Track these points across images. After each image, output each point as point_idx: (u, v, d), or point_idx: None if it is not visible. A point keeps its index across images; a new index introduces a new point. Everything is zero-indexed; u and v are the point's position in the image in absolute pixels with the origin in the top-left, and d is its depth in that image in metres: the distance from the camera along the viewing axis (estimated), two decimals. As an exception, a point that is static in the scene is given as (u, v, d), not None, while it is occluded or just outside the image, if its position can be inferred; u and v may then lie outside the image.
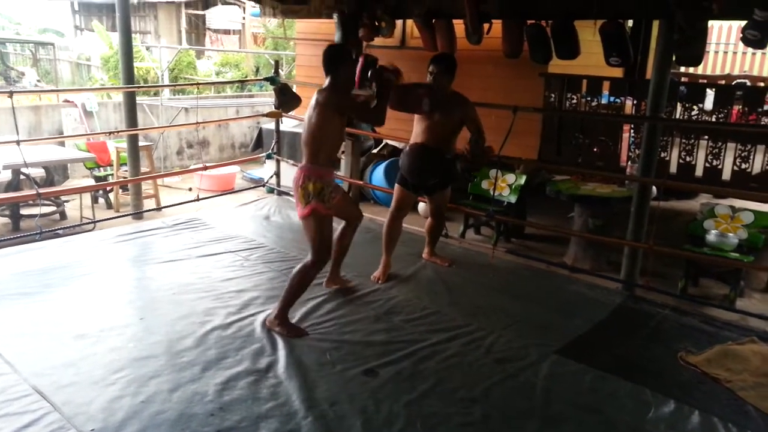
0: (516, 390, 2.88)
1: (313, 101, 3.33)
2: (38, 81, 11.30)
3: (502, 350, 3.23)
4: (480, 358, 3.14)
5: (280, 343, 3.15)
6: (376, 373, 2.93)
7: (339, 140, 3.48)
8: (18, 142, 4.50)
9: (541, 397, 2.82)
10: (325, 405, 2.65)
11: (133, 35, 8.61)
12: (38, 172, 6.31)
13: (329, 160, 3.42)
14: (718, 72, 12.22)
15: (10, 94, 4.59)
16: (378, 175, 7.25)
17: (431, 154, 4.03)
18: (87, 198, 6.41)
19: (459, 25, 5.32)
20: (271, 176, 6.45)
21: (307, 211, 3.28)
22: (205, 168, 6.33)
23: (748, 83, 8.91)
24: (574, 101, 5.95)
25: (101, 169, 6.99)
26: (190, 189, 7.53)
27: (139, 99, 7.84)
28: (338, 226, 3.73)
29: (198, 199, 5.90)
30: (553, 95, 6.03)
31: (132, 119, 6.23)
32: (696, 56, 4.22)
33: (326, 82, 3.39)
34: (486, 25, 5.18)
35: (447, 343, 3.26)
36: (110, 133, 6.69)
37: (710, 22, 4.20)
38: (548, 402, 2.79)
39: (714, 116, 5.33)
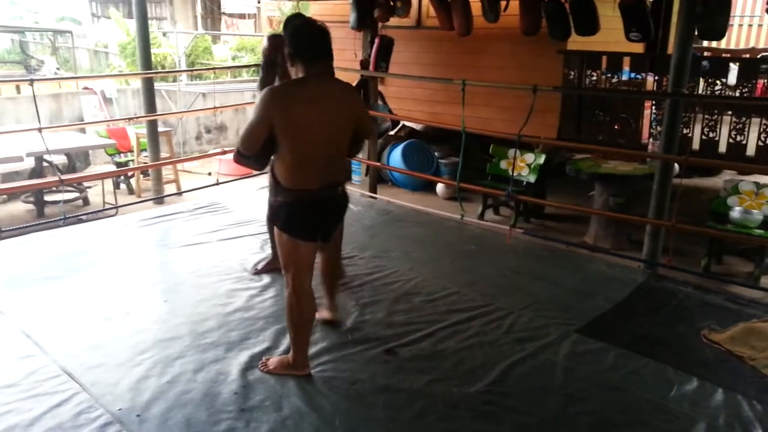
0: (536, 369, 2.88)
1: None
2: (57, 69, 11.38)
3: (522, 330, 3.23)
4: (500, 338, 3.14)
5: (302, 324, 3.18)
6: (396, 353, 2.95)
7: None
8: (40, 130, 4.56)
9: (562, 376, 2.82)
10: (346, 384, 2.69)
11: (149, 21, 8.62)
12: (60, 159, 6.39)
13: None
14: (742, 45, 11.91)
15: (31, 82, 4.65)
16: (396, 157, 7.23)
17: None
18: (109, 184, 6.48)
19: (475, 3, 5.24)
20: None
21: None
22: (224, 152, 6.36)
23: (774, 56, 8.69)
24: (594, 78, 5.85)
25: (122, 155, 7.06)
26: (210, 173, 7.57)
27: (157, 85, 7.88)
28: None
29: (218, 183, 5.94)
30: (572, 72, 5.94)
31: (151, 105, 6.27)
32: (719, 30, 4.10)
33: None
34: (503, 3, 5.11)
35: (467, 323, 3.27)
36: (130, 119, 6.73)
37: (734, -6, 4.08)
38: (569, 380, 2.79)
39: (738, 91, 5.22)
